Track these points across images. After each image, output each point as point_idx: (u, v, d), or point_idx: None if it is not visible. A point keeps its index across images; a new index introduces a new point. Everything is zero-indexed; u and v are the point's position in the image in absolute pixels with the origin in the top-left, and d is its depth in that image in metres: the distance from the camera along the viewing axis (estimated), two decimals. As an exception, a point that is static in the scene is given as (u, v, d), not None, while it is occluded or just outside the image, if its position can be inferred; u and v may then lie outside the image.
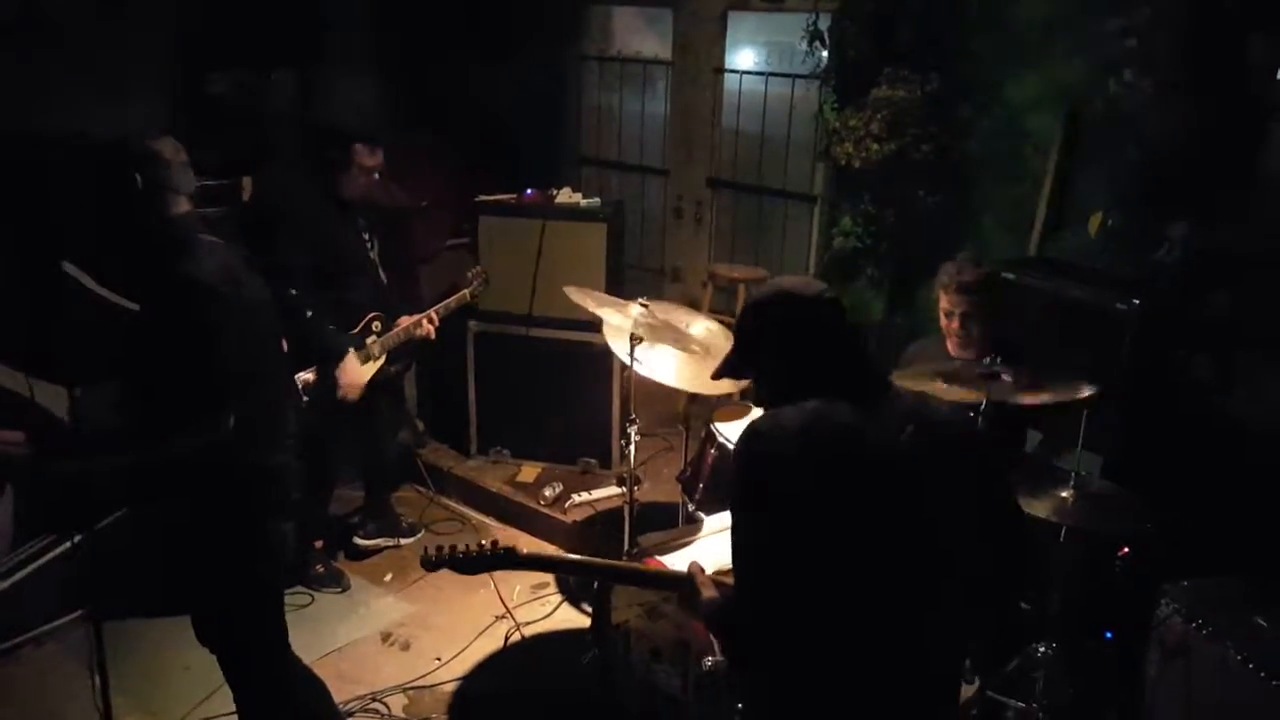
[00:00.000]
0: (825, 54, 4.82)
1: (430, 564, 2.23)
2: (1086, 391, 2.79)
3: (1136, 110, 3.88)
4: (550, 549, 4.23)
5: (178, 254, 2.40)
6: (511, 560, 2.24)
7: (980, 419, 2.81)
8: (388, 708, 3.35)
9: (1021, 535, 1.94)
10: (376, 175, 3.82)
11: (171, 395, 2.38)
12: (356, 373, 3.76)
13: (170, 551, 2.69)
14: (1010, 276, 3.63)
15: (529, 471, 4.75)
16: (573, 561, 2.58)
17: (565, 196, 4.73)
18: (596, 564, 2.53)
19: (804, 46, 4.83)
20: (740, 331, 2.00)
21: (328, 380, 3.71)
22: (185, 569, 2.65)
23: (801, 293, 1.89)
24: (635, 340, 3.23)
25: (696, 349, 3.28)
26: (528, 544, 4.35)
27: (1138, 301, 3.41)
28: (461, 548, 2.22)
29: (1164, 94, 3.78)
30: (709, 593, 1.98)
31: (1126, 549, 2.95)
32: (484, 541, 2.24)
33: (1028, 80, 4.27)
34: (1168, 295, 3.64)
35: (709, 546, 3.05)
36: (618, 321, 3.31)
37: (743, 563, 1.81)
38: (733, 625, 1.87)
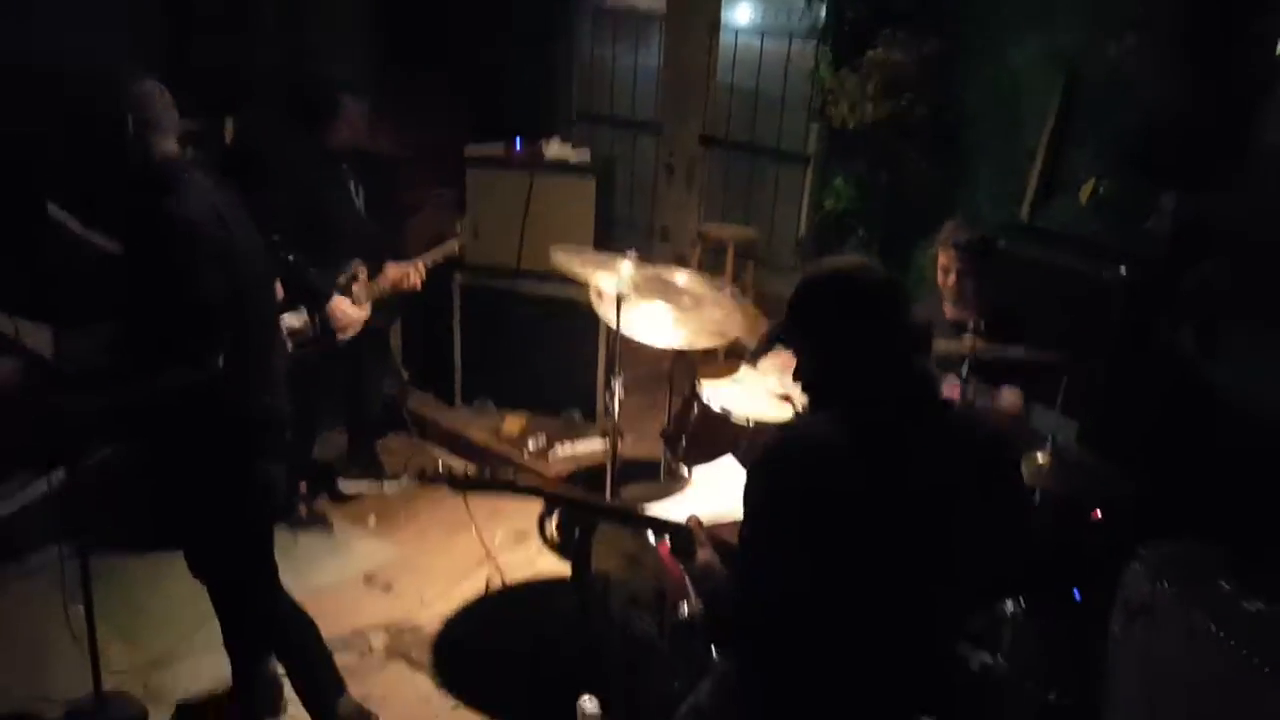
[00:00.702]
0: (823, 13, 4.78)
1: (425, 478, 2.28)
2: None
3: (1135, 76, 3.86)
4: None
5: (163, 193, 2.39)
6: (508, 486, 2.30)
7: (961, 382, 2.85)
8: (370, 646, 3.39)
9: (1029, 541, 1.97)
10: (362, 126, 3.79)
11: (157, 334, 2.38)
12: (349, 309, 3.76)
13: (161, 488, 2.70)
14: (1000, 242, 3.64)
15: (513, 423, 4.77)
16: (567, 496, 2.60)
17: (555, 150, 4.70)
18: (591, 501, 2.55)
19: (802, 4, 4.79)
20: (792, 311, 1.91)
21: (315, 325, 3.71)
22: (176, 506, 2.67)
23: (860, 278, 1.82)
24: (621, 299, 3.24)
25: (686, 302, 3.28)
26: (510, 495, 4.42)
27: (1125, 271, 3.43)
28: (460, 469, 2.27)
29: (1163, 61, 3.77)
30: (705, 555, 1.99)
31: (1099, 512, 3.00)
32: (481, 468, 2.30)
33: (1026, 44, 4.25)
34: (1155, 265, 3.66)
35: (690, 500, 3.08)
36: (605, 283, 3.30)
37: (744, 559, 1.82)
38: (721, 605, 1.89)
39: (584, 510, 2.52)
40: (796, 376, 1.90)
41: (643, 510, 2.57)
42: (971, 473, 1.78)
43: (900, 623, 1.77)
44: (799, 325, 1.87)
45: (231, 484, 2.57)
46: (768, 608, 1.76)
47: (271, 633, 2.85)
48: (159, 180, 2.42)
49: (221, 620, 2.81)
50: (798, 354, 1.89)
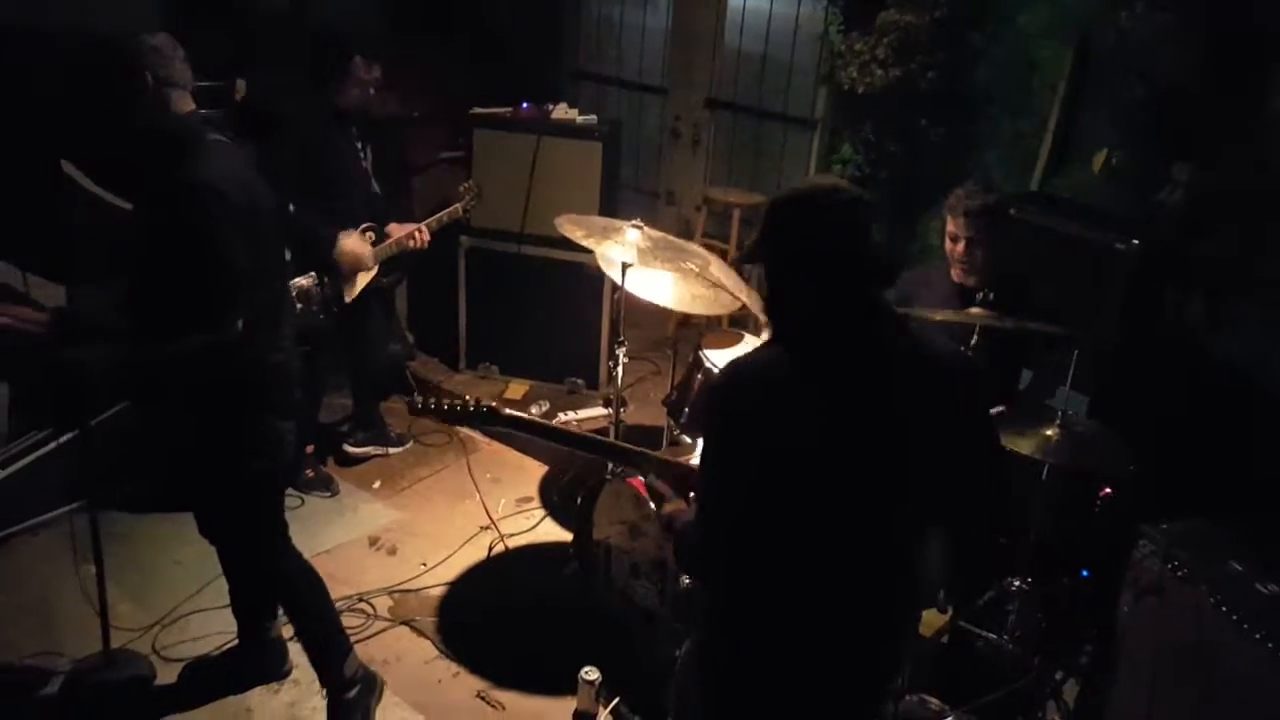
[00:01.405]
0: (834, -26, 4.70)
1: (417, 409, 2.31)
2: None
3: (1147, 44, 3.80)
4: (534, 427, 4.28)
5: (183, 154, 2.36)
6: (493, 417, 2.33)
7: (972, 354, 2.83)
8: (373, 608, 3.41)
9: (997, 473, 1.97)
10: (372, 88, 3.76)
11: (180, 297, 2.36)
12: (355, 246, 3.74)
13: (172, 446, 2.69)
14: (1010, 211, 3.61)
15: (516, 389, 4.76)
16: (547, 427, 2.60)
17: (561, 112, 4.65)
18: (570, 433, 2.58)
19: (812, -34, 4.71)
20: (761, 225, 1.89)
21: (324, 286, 3.71)
22: (187, 463, 2.66)
23: (821, 200, 1.79)
24: (627, 267, 3.22)
25: (691, 267, 3.25)
26: (513, 460, 4.44)
27: (1136, 242, 3.40)
28: (447, 402, 2.31)
29: (1175, 29, 3.71)
30: (671, 506, 2.02)
31: (1109, 489, 2.99)
32: (469, 398, 2.34)
33: (1038, 10, 4.17)
34: (1167, 236, 3.63)
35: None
36: (610, 251, 3.27)
37: (703, 488, 1.84)
38: (686, 539, 1.90)
39: (557, 441, 2.53)
40: (762, 306, 1.91)
41: (614, 441, 2.58)
42: (926, 397, 1.78)
43: (858, 545, 1.79)
44: (760, 242, 1.86)
45: (241, 438, 2.56)
46: (726, 534, 1.78)
47: (280, 591, 2.86)
48: (179, 141, 2.38)
49: (231, 580, 2.82)
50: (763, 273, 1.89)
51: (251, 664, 3.03)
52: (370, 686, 2.89)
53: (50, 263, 3.23)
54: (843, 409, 1.72)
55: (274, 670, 3.05)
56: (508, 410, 2.37)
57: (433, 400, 2.31)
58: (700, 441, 1.90)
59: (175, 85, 2.41)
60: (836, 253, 1.76)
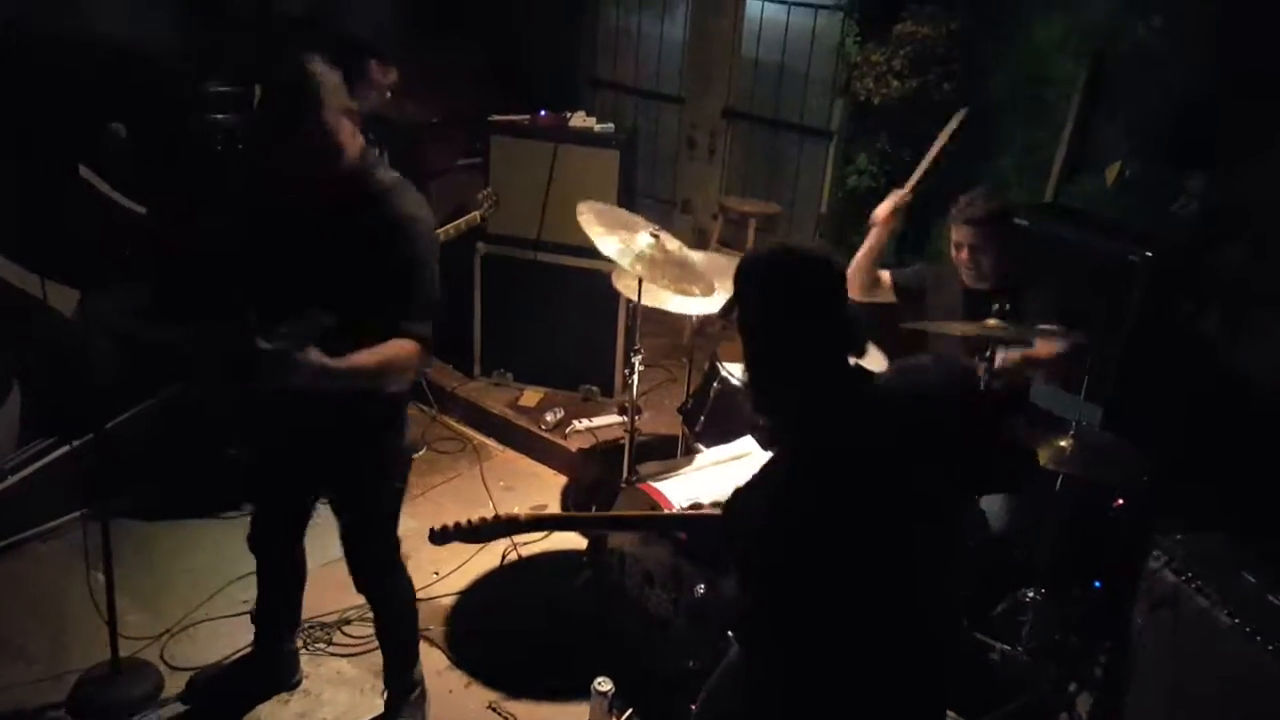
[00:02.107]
0: (850, -15, 4.71)
1: (437, 537, 2.24)
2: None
3: (1163, 57, 3.80)
4: (553, 495, 4.28)
5: (383, 193, 2.36)
6: (515, 526, 2.28)
7: (984, 370, 2.83)
8: (384, 620, 3.41)
9: (1016, 476, 1.98)
10: (389, 93, 3.77)
11: (407, 331, 2.34)
12: None
13: (326, 462, 2.66)
14: (1024, 222, 3.60)
15: (531, 396, 4.77)
16: (574, 518, 2.60)
17: (579, 121, 4.66)
18: (598, 516, 2.57)
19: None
20: (734, 289, 1.86)
21: None
22: (343, 477, 2.67)
23: (793, 272, 1.75)
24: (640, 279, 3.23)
25: (700, 287, 3.26)
26: (526, 468, 4.44)
27: (1150, 253, 3.38)
28: (465, 521, 2.25)
29: (1191, 42, 3.70)
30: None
31: (1122, 500, 2.97)
32: (485, 516, 2.28)
33: (1054, 21, 4.18)
34: (1181, 247, 3.61)
35: (706, 478, 3.08)
36: (623, 248, 3.27)
37: (738, 571, 1.87)
38: (732, 607, 1.97)
39: (588, 528, 2.56)
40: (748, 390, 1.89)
41: (646, 513, 2.55)
42: (905, 441, 1.77)
43: (893, 600, 1.78)
44: (736, 306, 1.84)
45: (395, 453, 2.71)
46: (769, 607, 1.80)
47: (394, 579, 2.88)
48: (372, 181, 2.38)
49: (358, 554, 2.78)
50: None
51: (264, 674, 3.04)
52: (424, 695, 2.96)
53: (68, 267, 3.26)
54: (852, 487, 1.73)
55: (285, 680, 3.06)
56: (528, 514, 2.32)
57: (452, 525, 2.25)
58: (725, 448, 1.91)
59: (353, 117, 2.44)
60: (815, 322, 1.75)
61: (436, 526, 2.23)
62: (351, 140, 2.36)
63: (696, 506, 2.24)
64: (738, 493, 1.84)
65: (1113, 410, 3.31)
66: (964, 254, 3.11)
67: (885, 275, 3.40)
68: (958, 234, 3.12)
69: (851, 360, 1.79)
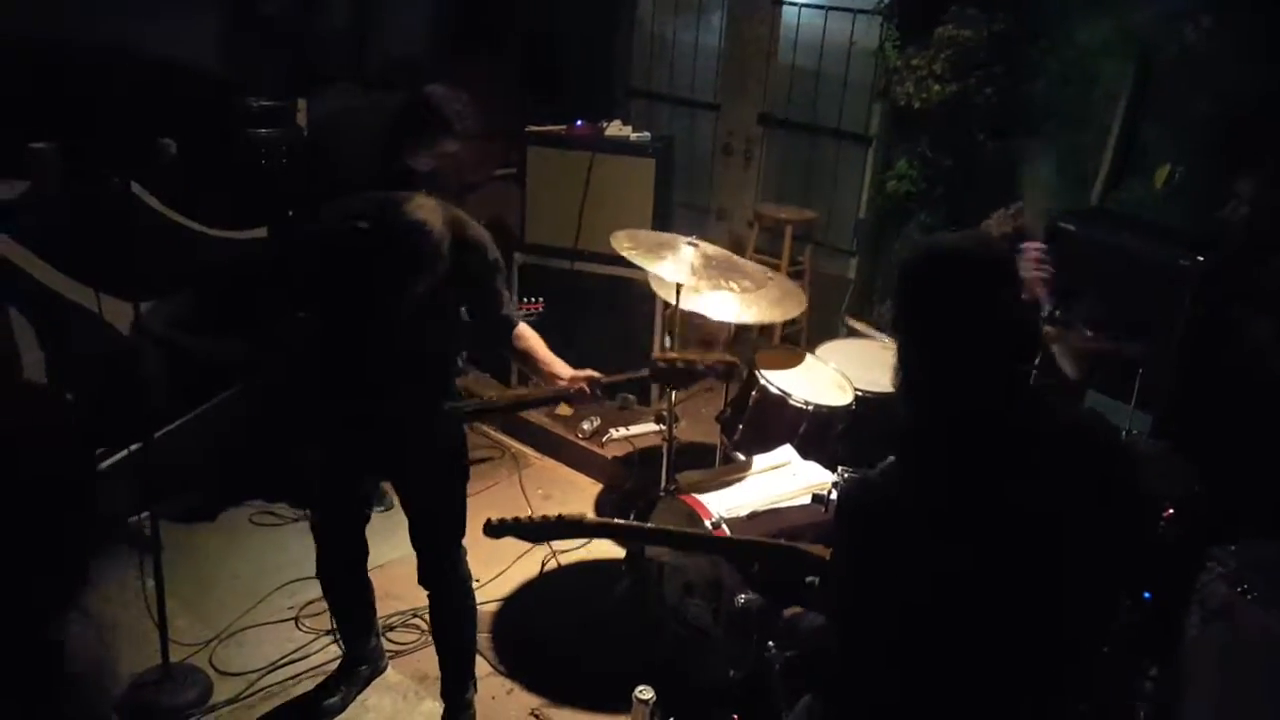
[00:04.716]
0: (889, -11, 4.68)
1: (493, 530, 2.21)
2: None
3: (1212, 60, 3.73)
4: (591, 495, 4.27)
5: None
6: (578, 528, 2.24)
7: (1033, 376, 2.78)
8: (426, 624, 3.42)
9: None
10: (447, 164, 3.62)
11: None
12: None
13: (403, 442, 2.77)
14: (1070, 227, 3.55)
15: (566, 405, 4.77)
16: (643, 529, 2.58)
17: (615, 129, 4.67)
18: (669, 532, 2.54)
19: (867, -20, 4.70)
20: (896, 289, 1.66)
21: None
22: (419, 455, 2.80)
23: (960, 260, 1.54)
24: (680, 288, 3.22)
25: (748, 285, 3.25)
26: (564, 476, 4.44)
27: (1201, 259, 3.32)
28: (527, 518, 2.21)
29: (1240, 43, 3.63)
30: (790, 611, 1.90)
31: (1172, 509, 2.91)
32: (548, 515, 2.24)
33: (1099, 23, 4.12)
34: (1233, 253, 3.54)
35: (747, 489, 3.06)
36: (675, 267, 3.26)
37: (838, 606, 1.72)
38: (813, 644, 1.81)
39: (656, 542, 2.54)
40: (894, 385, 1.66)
41: (718, 534, 2.48)
42: (1079, 496, 1.57)
43: (1002, 666, 1.58)
44: (895, 308, 1.65)
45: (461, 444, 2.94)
46: (863, 648, 1.65)
47: (463, 581, 3.00)
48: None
49: (431, 537, 2.94)
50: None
51: (367, 669, 3.14)
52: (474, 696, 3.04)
53: (121, 281, 3.32)
54: (984, 522, 1.53)
55: (381, 669, 3.19)
56: (591, 518, 2.29)
57: (512, 519, 2.20)
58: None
59: None
60: (979, 322, 1.53)
61: (494, 519, 2.19)
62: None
63: (753, 516, 2.18)
64: (859, 495, 1.66)
65: (1164, 418, 3.25)
66: None
67: None
68: None
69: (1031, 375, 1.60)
